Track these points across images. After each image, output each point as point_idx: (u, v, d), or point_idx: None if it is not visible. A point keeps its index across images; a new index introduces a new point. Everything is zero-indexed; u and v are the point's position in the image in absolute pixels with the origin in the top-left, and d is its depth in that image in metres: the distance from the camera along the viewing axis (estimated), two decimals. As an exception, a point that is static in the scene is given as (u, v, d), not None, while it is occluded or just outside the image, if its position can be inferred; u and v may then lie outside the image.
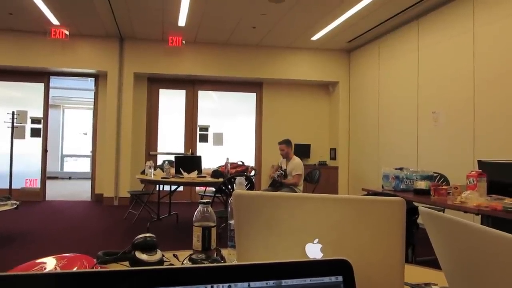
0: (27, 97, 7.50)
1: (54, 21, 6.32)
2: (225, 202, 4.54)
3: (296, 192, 5.04)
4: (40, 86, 7.44)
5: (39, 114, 7.39)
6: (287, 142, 5.51)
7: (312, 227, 0.75)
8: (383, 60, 6.72)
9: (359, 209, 0.73)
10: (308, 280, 0.41)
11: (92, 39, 7.16)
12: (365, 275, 0.61)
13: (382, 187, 3.80)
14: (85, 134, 11.84)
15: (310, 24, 6.33)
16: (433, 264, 0.85)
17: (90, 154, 8.03)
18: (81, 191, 8.83)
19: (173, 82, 7.86)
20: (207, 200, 1.25)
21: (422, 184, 3.34)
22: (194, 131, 7.96)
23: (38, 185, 7.40)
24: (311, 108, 8.20)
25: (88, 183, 8.13)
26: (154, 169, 5.11)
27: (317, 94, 8.25)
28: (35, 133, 7.35)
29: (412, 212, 2.15)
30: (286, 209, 0.77)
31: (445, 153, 5.07)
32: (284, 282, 0.40)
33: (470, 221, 0.58)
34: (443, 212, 0.68)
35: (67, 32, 6.69)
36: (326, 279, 0.42)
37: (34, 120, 7.35)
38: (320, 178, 5.57)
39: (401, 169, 3.76)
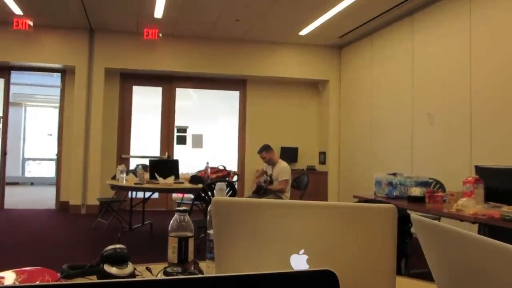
0: (-16, 93, 7.34)
1: (17, 10, 6.20)
2: (205, 210, 4.52)
3: (282, 199, 5.05)
4: (0, 81, 7.28)
5: (-2, 112, 7.23)
6: (266, 148, 5.49)
7: (297, 237, 0.75)
8: (376, 57, 6.82)
9: (347, 217, 0.74)
10: (291, 293, 0.41)
11: (59, 31, 7.05)
12: (354, 287, 0.61)
13: (375, 193, 3.84)
14: (50, 135, 11.63)
15: (298, 17, 6.37)
16: (428, 276, 0.87)
17: (55, 157, 7.88)
18: (45, 198, 8.67)
19: (148, 79, 7.80)
20: (184, 208, 1.25)
21: (416, 191, 3.39)
22: (171, 132, 7.91)
23: (-4, 192, 7.23)
24: (298, 108, 8.25)
25: (52, 190, 7.99)
26: (126, 174, 5.06)
27: (306, 93, 8.30)
28: (-7, 133, 7.18)
29: (405, 221, 2.18)
30: (269, 218, 0.77)
31: (441, 157, 5.17)
32: (265, 295, 0.40)
33: (466, 230, 0.59)
34: (439, 221, 0.70)
35: (31, 23, 6.57)
36: (311, 292, 0.42)
37: (-8, 119, 7.19)
38: (309, 184, 5.59)
39: (394, 174, 3.80)
